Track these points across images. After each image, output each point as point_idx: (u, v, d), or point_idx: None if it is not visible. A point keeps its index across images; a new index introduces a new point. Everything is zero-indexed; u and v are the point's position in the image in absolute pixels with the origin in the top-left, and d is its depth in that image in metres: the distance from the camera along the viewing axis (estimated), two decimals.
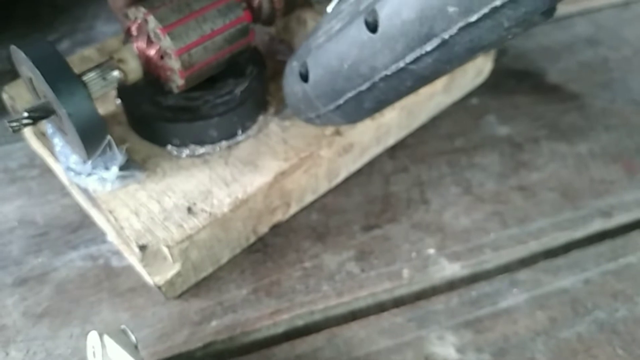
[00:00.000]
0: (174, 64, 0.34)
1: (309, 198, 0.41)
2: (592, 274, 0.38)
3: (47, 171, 0.43)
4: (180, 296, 0.36)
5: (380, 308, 0.37)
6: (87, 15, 0.56)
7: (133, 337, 0.30)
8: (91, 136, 0.33)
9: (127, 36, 0.36)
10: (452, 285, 0.38)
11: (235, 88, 0.38)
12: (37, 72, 0.30)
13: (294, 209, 0.40)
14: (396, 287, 0.37)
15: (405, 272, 0.38)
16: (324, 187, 0.41)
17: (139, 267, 0.36)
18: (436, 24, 0.24)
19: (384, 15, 0.26)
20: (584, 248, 0.40)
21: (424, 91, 0.43)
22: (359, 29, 0.28)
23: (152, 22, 0.34)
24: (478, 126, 0.47)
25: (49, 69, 0.31)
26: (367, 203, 0.42)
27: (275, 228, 0.40)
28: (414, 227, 0.40)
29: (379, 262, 0.38)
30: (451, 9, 0.23)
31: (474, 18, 0.23)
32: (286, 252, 0.39)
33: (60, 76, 0.31)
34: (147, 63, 0.35)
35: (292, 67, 0.34)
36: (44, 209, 0.41)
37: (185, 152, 0.38)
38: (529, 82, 0.51)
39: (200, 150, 0.38)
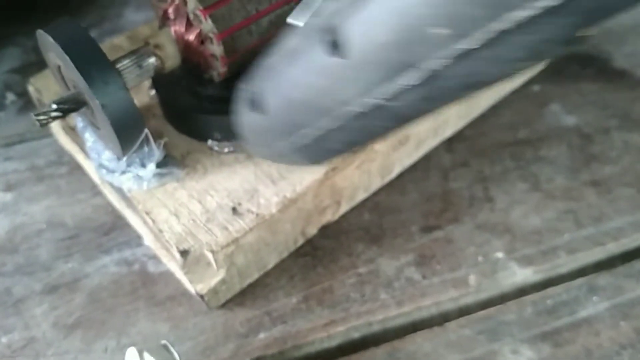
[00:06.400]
0: (216, 49, 0.31)
1: (361, 196, 0.37)
2: None
3: (77, 168, 0.40)
4: (224, 305, 0.33)
5: (444, 318, 0.33)
6: (115, 2, 0.53)
7: (176, 354, 0.27)
8: (127, 130, 0.29)
9: (164, 20, 0.32)
10: (523, 293, 0.34)
11: None
12: (67, 58, 0.27)
13: (344, 208, 0.37)
14: (462, 295, 0.34)
15: (472, 279, 0.34)
16: (376, 183, 0.38)
17: (178, 274, 0.33)
18: (419, 49, 0.18)
19: (351, 34, 0.20)
20: None
21: None
22: (317, 51, 0.22)
23: (192, 2, 0.30)
24: (542, 115, 0.43)
25: (80, 55, 0.28)
26: (425, 201, 0.38)
27: (325, 229, 0.36)
28: (479, 227, 0.36)
29: (441, 268, 0.35)
30: (439, 31, 0.17)
31: (471, 45, 0.17)
32: (338, 256, 0.35)
33: (93, 63, 0.28)
34: (185, 49, 0.32)
35: (242, 91, 0.28)
36: (73, 210, 0.38)
37: (228, 147, 0.34)
38: (593, 68, 0.47)
39: None
